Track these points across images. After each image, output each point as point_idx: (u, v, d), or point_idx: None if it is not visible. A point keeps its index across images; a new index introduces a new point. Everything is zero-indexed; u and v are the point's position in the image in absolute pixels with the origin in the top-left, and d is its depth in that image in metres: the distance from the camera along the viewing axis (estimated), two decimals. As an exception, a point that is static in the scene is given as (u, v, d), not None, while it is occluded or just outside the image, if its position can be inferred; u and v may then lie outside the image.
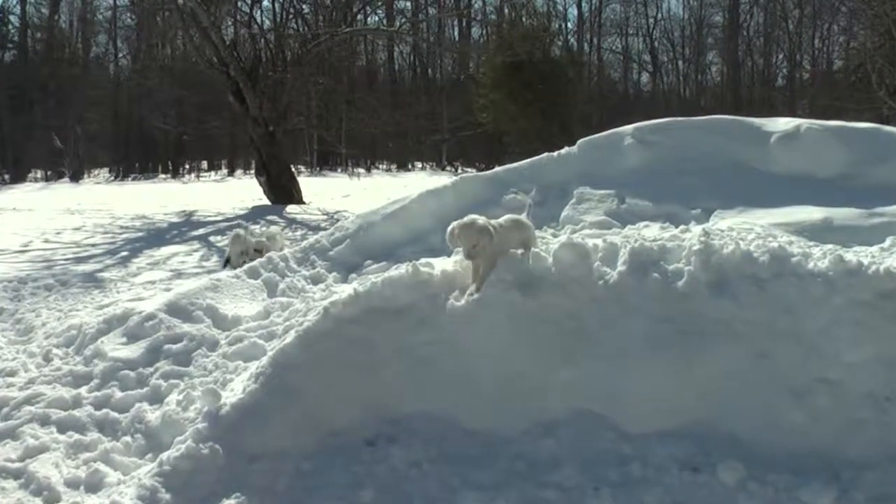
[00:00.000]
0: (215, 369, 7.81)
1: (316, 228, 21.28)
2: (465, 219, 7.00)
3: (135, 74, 51.97)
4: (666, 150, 11.04)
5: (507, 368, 6.75)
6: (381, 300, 7.13)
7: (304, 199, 30.81)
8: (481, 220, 6.96)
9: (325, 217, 25.84)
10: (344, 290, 7.89)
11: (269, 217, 25.34)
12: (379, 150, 62.35)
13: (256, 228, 18.29)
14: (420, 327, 7.01)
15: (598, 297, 6.81)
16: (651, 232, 8.47)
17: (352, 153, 52.74)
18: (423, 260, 7.74)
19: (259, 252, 12.02)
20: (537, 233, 8.32)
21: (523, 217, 7.79)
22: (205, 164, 65.93)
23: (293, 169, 34.43)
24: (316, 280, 10.10)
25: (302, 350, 6.98)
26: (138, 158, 65.26)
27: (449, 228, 7.00)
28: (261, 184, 31.24)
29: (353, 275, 9.90)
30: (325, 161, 60.27)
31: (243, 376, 7.18)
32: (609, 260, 7.09)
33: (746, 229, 8.12)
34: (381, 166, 63.80)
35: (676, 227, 8.65)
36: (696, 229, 8.01)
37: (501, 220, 7.33)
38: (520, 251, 7.23)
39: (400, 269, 7.54)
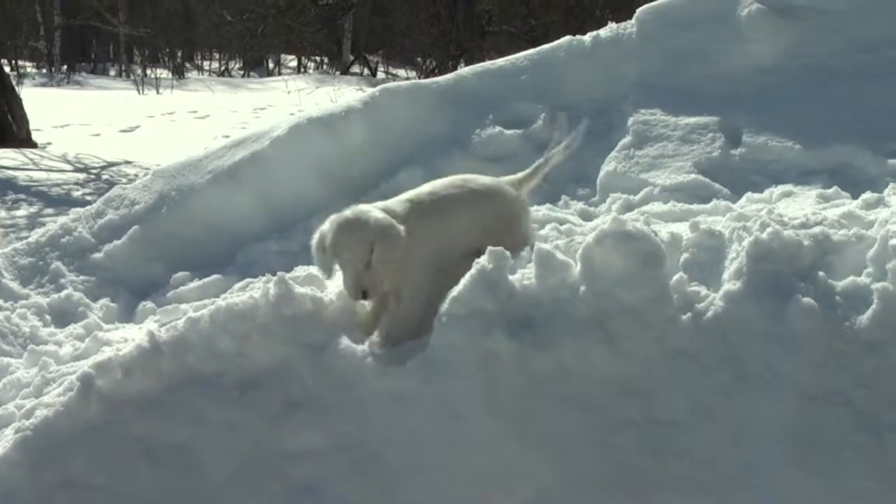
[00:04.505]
0: None
1: (61, 202, 13.44)
2: (347, 213, 4.62)
3: None
4: (825, 27, 7.56)
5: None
6: (207, 358, 4.67)
7: (34, 138, 18.33)
8: (375, 211, 4.59)
9: (81, 176, 15.65)
10: (127, 338, 5.68)
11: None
12: (201, 28, 41.46)
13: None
14: (291, 415, 4.48)
15: (682, 350, 4.24)
16: (798, 207, 5.86)
17: (142, 37, 32.97)
18: (299, 270, 5.59)
19: None
20: (548, 211, 6.20)
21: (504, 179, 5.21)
22: None
23: (7, 69, 23.10)
24: (63, 315, 6.45)
25: (29, 475, 4.48)
26: None
27: (317, 233, 4.68)
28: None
29: (148, 302, 6.54)
30: (84, 54, 39.59)
31: None
32: (707, 269, 4.59)
33: None
34: (208, 65, 43.06)
35: (854, 196, 5.86)
36: (897, 201, 5.74)
37: (443, 185, 4.92)
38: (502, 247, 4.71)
39: (251, 291, 5.28)
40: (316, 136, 7.54)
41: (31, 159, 16.18)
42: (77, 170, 15.64)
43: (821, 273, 4.23)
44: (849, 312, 4.18)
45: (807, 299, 4.07)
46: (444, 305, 4.33)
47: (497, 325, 4.24)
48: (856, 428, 4.08)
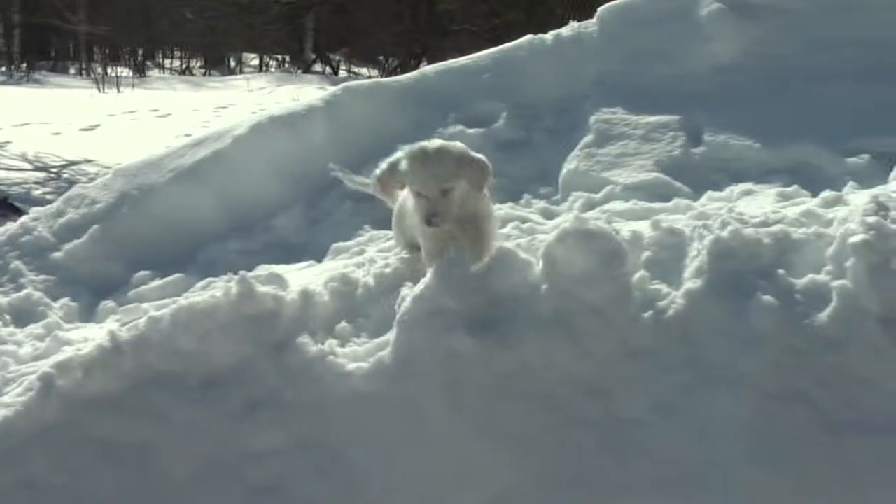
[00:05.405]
0: None
1: (21, 201, 12.78)
2: (430, 144, 4.56)
3: None
4: (786, 26, 7.48)
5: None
6: (169, 357, 4.49)
7: None
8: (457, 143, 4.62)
9: (41, 175, 15.47)
10: (88, 337, 5.39)
11: None
12: (162, 26, 39.67)
13: None
14: (253, 415, 4.30)
15: (643, 349, 4.16)
16: (758, 205, 5.65)
17: (102, 35, 32.42)
18: (261, 269, 5.57)
19: None
20: (509, 210, 6.02)
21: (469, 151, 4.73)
22: None
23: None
24: (23, 315, 6.15)
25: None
26: None
27: (386, 163, 4.81)
28: None
29: (109, 301, 6.30)
30: (44, 52, 38.49)
31: None
32: (668, 267, 4.46)
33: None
34: (170, 63, 42.31)
35: (813, 194, 5.73)
36: (858, 198, 5.22)
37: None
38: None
39: (212, 291, 5.09)
40: (277, 134, 7.34)
41: (-9, 159, 15.59)
42: (37, 168, 15.30)
43: (781, 271, 4.17)
44: (808, 310, 4.10)
45: (767, 297, 4.00)
46: (406, 305, 4.22)
47: (459, 324, 4.14)
48: (816, 426, 4.00)
